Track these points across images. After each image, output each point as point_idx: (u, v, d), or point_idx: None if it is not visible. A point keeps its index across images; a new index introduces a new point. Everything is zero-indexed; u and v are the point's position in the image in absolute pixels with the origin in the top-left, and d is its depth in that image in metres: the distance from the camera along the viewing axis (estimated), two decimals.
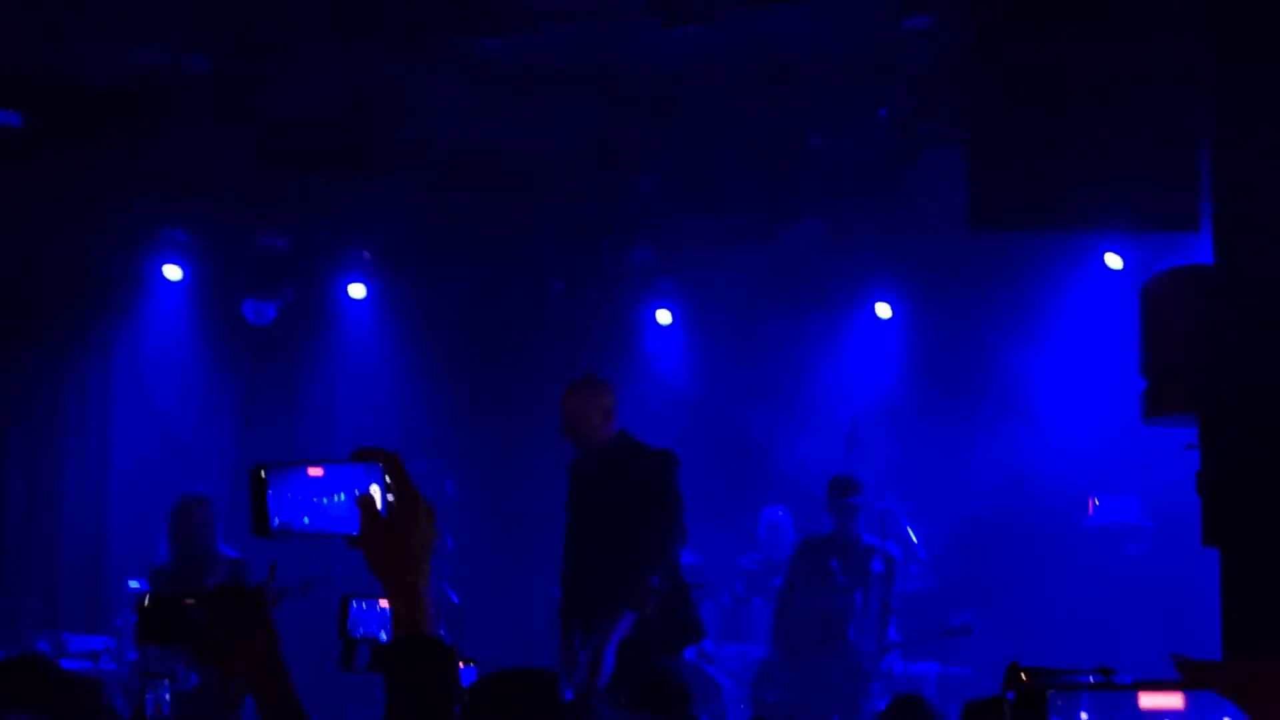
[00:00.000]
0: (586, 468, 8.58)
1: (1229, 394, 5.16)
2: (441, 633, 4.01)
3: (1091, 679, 3.58)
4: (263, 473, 2.64)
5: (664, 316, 13.11)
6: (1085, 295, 11.86)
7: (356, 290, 12.73)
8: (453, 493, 12.28)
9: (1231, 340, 5.17)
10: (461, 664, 4.48)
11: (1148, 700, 2.31)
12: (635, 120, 10.66)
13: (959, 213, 7.52)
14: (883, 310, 12.81)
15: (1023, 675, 3.55)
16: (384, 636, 4.23)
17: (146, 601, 3.04)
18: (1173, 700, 2.29)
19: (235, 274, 12.33)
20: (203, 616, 2.96)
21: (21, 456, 12.52)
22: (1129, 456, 10.30)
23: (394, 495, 2.58)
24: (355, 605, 4.16)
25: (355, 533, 2.59)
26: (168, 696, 5.06)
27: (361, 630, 4.23)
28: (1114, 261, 11.57)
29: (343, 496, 2.60)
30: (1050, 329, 12.26)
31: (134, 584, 10.54)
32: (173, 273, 12.36)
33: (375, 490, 2.59)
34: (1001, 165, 6.96)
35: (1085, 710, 2.33)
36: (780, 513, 12.22)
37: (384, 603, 4.09)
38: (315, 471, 2.63)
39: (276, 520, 2.63)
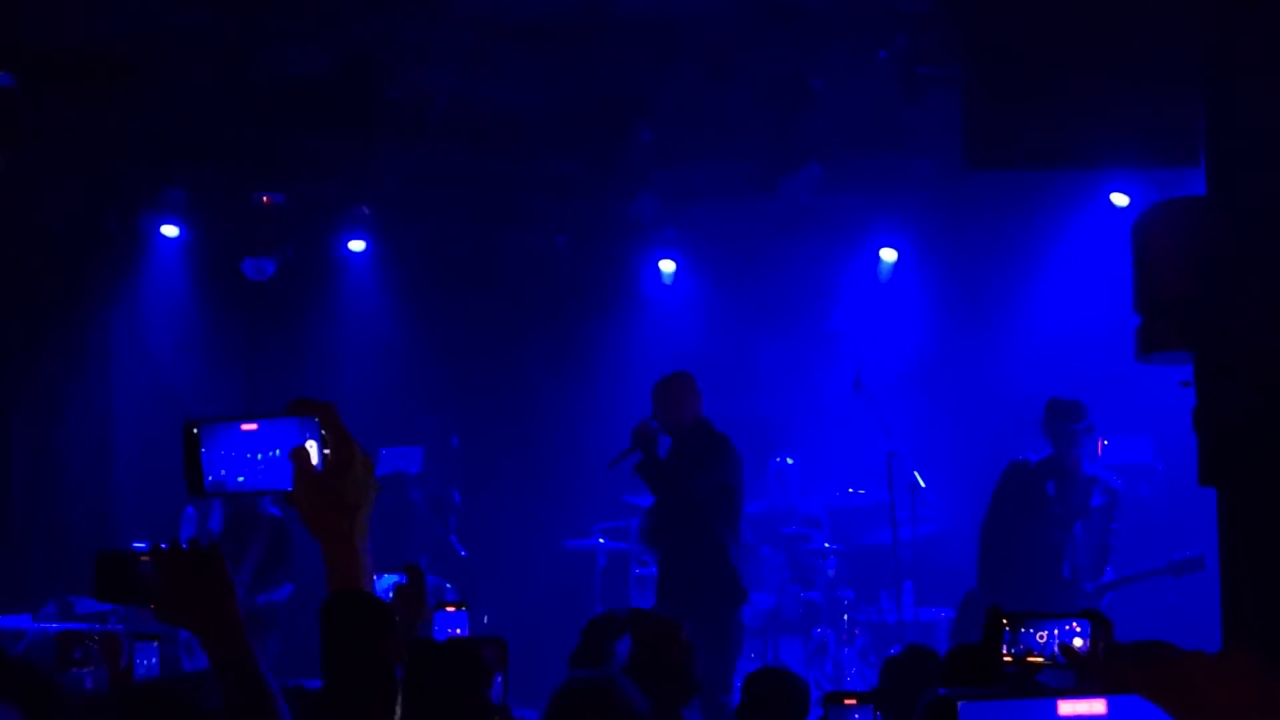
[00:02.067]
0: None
1: (1223, 328, 5.08)
2: (423, 583, 3.96)
3: (1076, 625, 3.53)
4: (195, 429, 2.57)
5: (667, 266, 13.03)
6: (1091, 235, 11.76)
7: (356, 245, 12.67)
8: (458, 446, 12.28)
9: (1224, 273, 5.09)
10: (452, 608, 4.43)
11: (1066, 708, 2.23)
12: (634, 70, 10.57)
13: (960, 151, 7.43)
14: (887, 254, 12.72)
15: (1004, 620, 3.50)
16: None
17: (98, 558, 2.97)
18: (1095, 706, 2.21)
19: (234, 231, 12.29)
20: (155, 573, 2.91)
21: (25, 418, 12.49)
22: (1140, 397, 10.21)
23: (329, 449, 2.51)
24: None
25: (290, 488, 2.52)
26: (156, 660, 5.02)
27: None
28: (1120, 200, 11.47)
29: (278, 452, 2.53)
30: (1057, 269, 12.17)
31: (139, 545, 10.54)
32: (171, 231, 12.30)
33: (311, 444, 2.51)
34: (997, 103, 6.86)
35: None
36: (788, 460, 12.18)
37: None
38: (249, 426, 2.56)
39: (210, 478, 2.56)
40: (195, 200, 12.09)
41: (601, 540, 11.90)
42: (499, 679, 4.60)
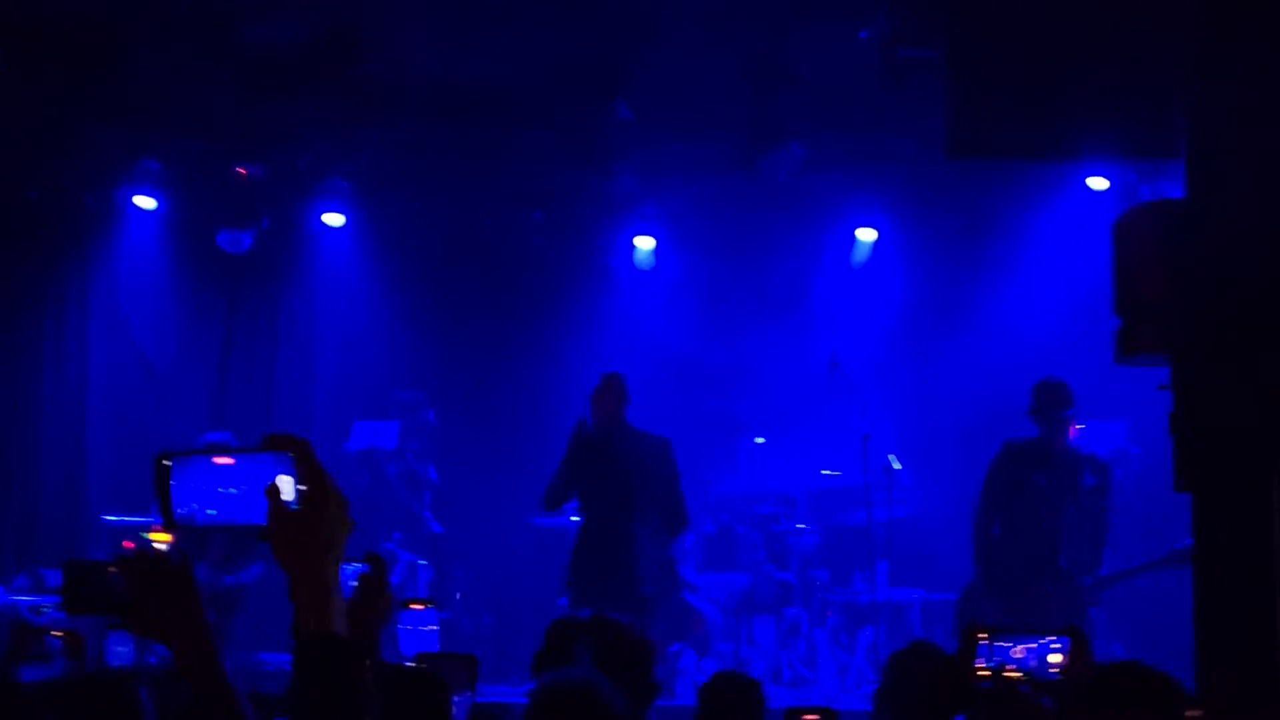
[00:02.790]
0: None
1: (1200, 333, 5.07)
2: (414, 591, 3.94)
3: (1055, 640, 3.52)
4: (166, 461, 2.53)
5: (645, 243, 12.99)
6: (1070, 217, 11.76)
7: (333, 219, 12.60)
8: (434, 422, 12.25)
9: (1202, 278, 5.08)
10: (419, 605, 4.41)
11: None
12: (613, 46, 10.52)
13: (941, 137, 7.41)
14: (865, 234, 12.70)
15: (981, 635, 3.49)
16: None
17: (66, 567, 2.94)
18: None
19: (210, 203, 12.21)
20: (125, 583, 2.89)
21: None
22: (1116, 382, 10.20)
23: (304, 485, 2.48)
24: None
25: (264, 523, 2.49)
26: (132, 648, 5.01)
27: None
28: (1098, 184, 11.46)
29: (251, 487, 2.50)
30: (1035, 252, 12.17)
31: (111, 518, 10.51)
32: (147, 203, 12.23)
33: (285, 480, 2.48)
34: (979, 92, 6.83)
35: None
36: (761, 440, 12.19)
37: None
38: (223, 460, 2.52)
39: (180, 510, 2.53)
40: (171, 172, 12.02)
41: (574, 518, 11.89)
42: (463, 698, 4.57)
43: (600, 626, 5.09)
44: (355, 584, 4.47)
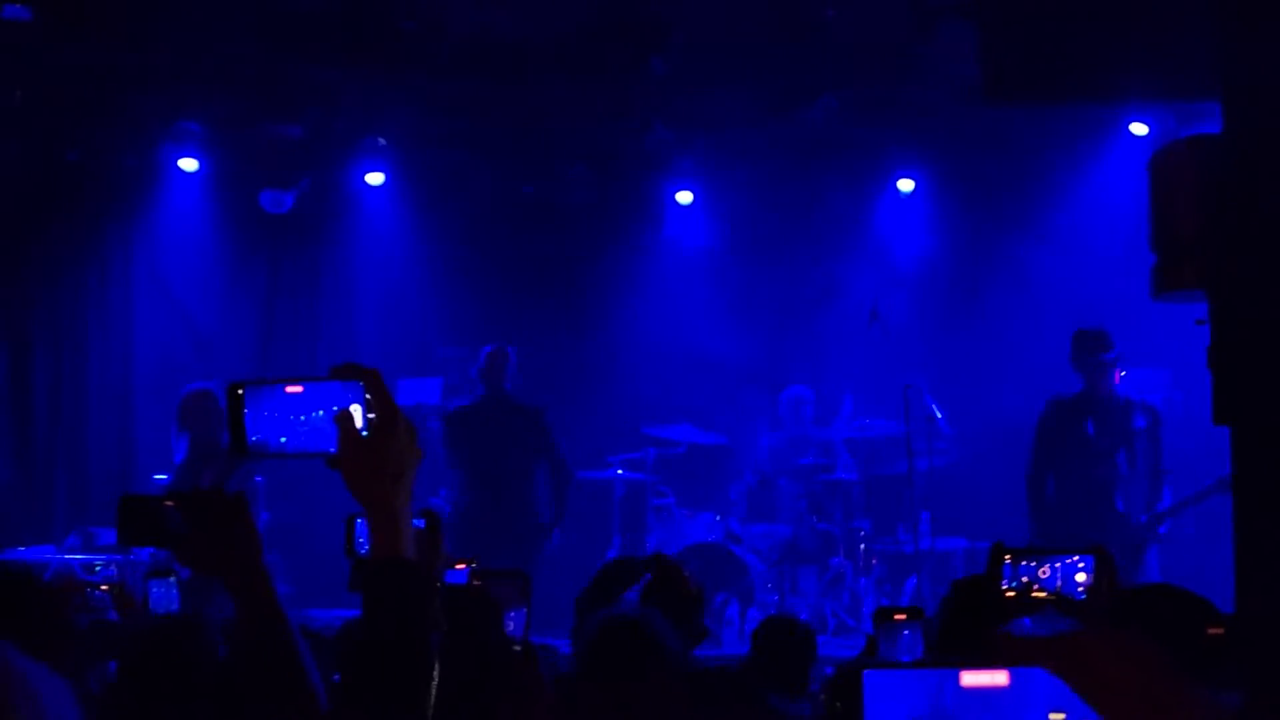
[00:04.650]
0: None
1: (1237, 267, 5.07)
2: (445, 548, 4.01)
3: (1080, 559, 3.55)
4: (239, 390, 2.59)
5: (684, 197, 13.01)
6: (1111, 164, 11.71)
7: (374, 178, 12.67)
8: (476, 378, 12.29)
9: (1239, 212, 5.07)
10: (461, 565, 4.46)
11: (969, 679, 2.24)
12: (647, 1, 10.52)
13: (977, 84, 7.40)
14: (904, 185, 12.69)
15: (1006, 556, 3.53)
16: None
17: (122, 502, 2.99)
18: (997, 678, 2.22)
19: (251, 164, 12.29)
20: (180, 518, 2.94)
21: (46, 353, 12.57)
22: (1159, 329, 10.17)
23: (374, 413, 2.53)
24: (361, 524, 4.06)
25: (334, 451, 2.54)
26: (176, 593, 5.08)
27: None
28: (1139, 129, 11.41)
29: (321, 414, 2.55)
30: (1075, 199, 12.12)
31: (160, 477, 10.61)
32: (188, 165, 12.30)
33: (355, 409, 2.53)
34: (1014, 35, 6.82)
35: (905, 684, 2.25)
36: (803, 391, 12.21)
37: None
38: (294, 389, 2.57)
39: (254, 438, 2.59)
40: (212, 134, 12.08)
41: (620, 471, 11.96)
42: (519, 613, 4.64)
43: (661, 567, 5.14)
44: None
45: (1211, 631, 3.02)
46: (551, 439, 10.83)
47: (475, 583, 4.33)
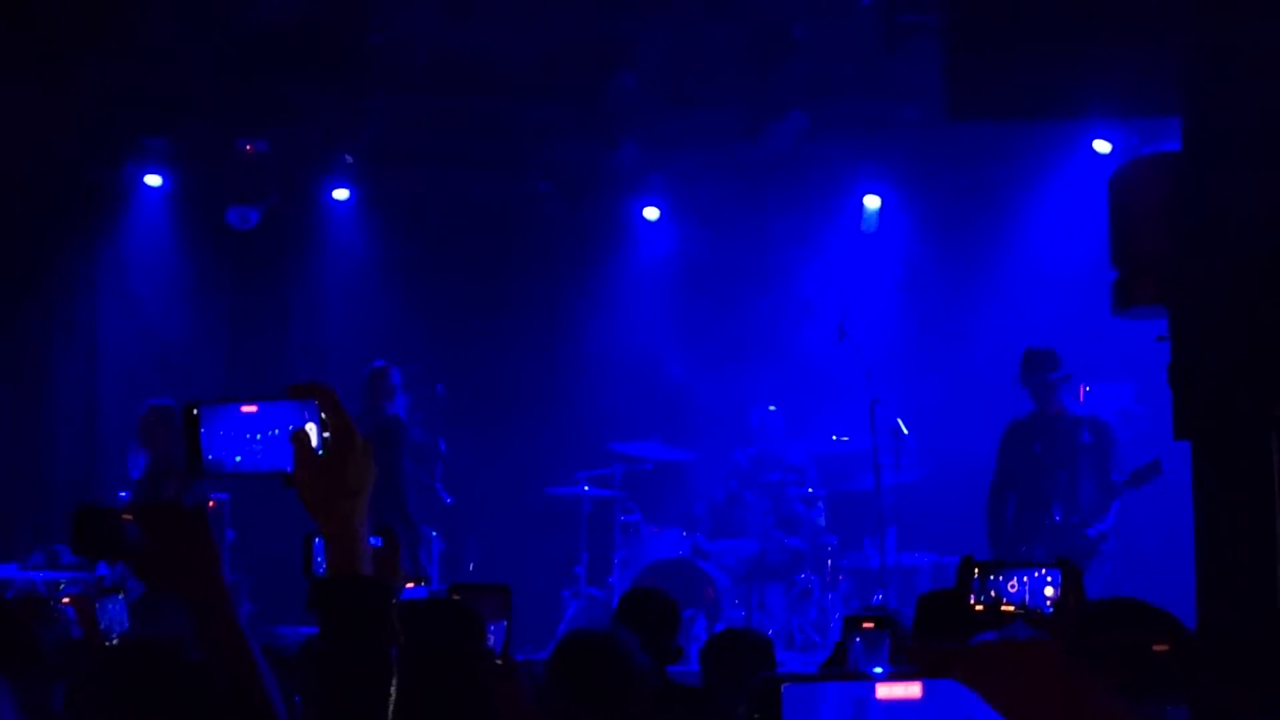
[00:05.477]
0: None
1: (1197, 283, 5.10)
2: (405, 564, 4.01)
3: (1047, 573, 3.57)
4: (195, 410, 2.59)
5: (652, 213, 13.03)
6: (1074, 181, 11.76)
7: (341, 194, 12.66)
8: (443, 394, 12.28)
9: (1198, 228, 5.11)
10: (411, 584, 4.45)
11: (884, 691, 2.26)
12: (616, 16, 10.54)
13: (943, 101, 7.43)
14: (871, 202, 12.73)
15: (975, 570, 3.54)
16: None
17: (77, 512, 2.97)
18: (910, 690, 2.24)
19: (218, 180, 12.26)
20: (138, 530, 2.91)
21: (10, 368, 12.51)
22: (1123, 343, 10.23)
23: (329, 432, 2.53)
24: (320, 543, 4.04)
25: (290, 470, 2.54)
26: (124, 612, 5.03)
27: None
28: (1102, 147, 11.48)
29: (277, 433, 2.55)
30: (1040, 215, 12.18)
31: (125, 494, 10.57)
32: (154, 180, 12.27)
33: (310, 427, 2.53)
34: (978, 52, 6.86)
35: (825, 701, 2.26)
36: (772, 407, 12.22)
37: None
38: (249, 408, 2.58)
39: (208, 457, 2.59)
40: (178, 149, 12.06)
41: (586, 488, 11.95)
42: (499, 626, 4.63)
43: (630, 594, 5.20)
44: None
45: (1157, 648, 3.04)
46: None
47: (456, 596, 4.34)
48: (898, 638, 4.65)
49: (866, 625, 4.50)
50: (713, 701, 5.37)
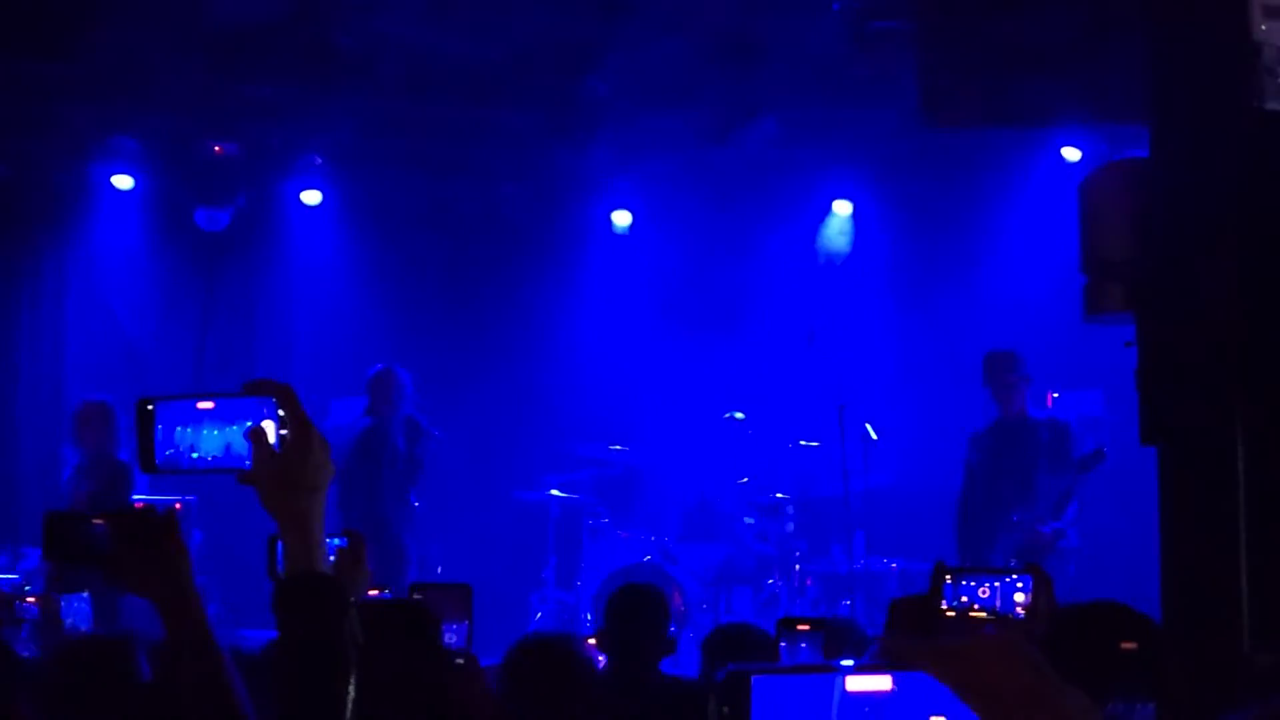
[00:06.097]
0: None
1: (1164, 289, 5.13)
2: (370, 567, 4.00)
3: (1019, 579, 3.59)
4: (149, 406, 2.57)
5: (621, 218, 13.03)
6: (1044, 188, 11.80)
7: (310, 196, 12.63)
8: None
9: (1166, 234, 5.14)
10: (375, 591, 4.44)
11: (854, 684, 2.27)
12: (585, 21, 10.53)
13: (914, 109, 7.46)
14: (842, 208, 12.75)
15: (947, 575, 3.55)
16: None
17: (48, 518, 2.95)
18: (880, 682, 2.25)
19: (186, 181, 12.21)
20: (109, 535, 2.90)
21: None
22: (1092, 350, 10.26)
23: (287, 429, 2.51)
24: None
25: (247, 467, 2.52)
26: (88, 609, 5.02)
27: None
28: (1072, 154, 11.52)
29: (235, 429, 2.54)
30: (1010, 223, 12.21)
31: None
32: (123, 182, 12.22)
33: (268, 424, 2.52)
34: (951, 60, 6.89)
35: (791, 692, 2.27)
36: (740, 414, 12.23)
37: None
38: (205, 405, 2.56)
39: (165, 453, 2.57)
40: (146, 151, 12.01)
41: (555, 492, 11.95)
42: (460, 626, 4.62)
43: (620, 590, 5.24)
44: (333, 559, 4.52)
45: (1125, 646, 3.05)
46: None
47: (416, 596, 4.33)
48: (842, 641, 4.67)
49: (801, 627, 4.52)
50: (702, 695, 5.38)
